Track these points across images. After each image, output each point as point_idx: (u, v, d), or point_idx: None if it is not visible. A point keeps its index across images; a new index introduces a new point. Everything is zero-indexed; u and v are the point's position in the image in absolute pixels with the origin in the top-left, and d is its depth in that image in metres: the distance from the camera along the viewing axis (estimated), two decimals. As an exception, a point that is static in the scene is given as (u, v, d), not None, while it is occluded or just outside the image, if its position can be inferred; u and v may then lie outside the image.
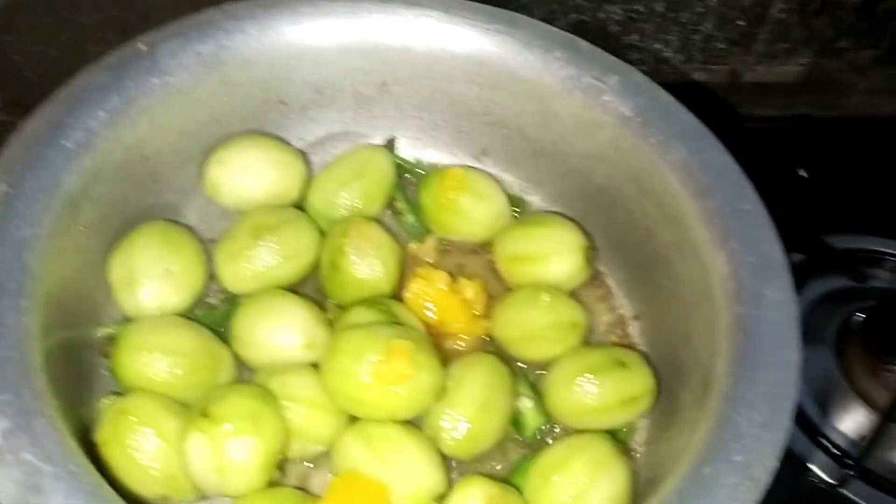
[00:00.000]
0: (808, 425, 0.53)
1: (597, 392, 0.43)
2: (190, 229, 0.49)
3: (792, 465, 0.52)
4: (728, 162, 0.44)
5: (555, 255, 0.48)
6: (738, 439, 0.36)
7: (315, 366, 0.43)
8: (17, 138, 0.41)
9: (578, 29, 0.69)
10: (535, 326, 0.46)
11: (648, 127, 0.46)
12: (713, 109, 0.78)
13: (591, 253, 0.49)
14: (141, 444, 0.39)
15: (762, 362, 0.38)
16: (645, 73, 0.48)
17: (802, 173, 0.67)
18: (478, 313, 0.48)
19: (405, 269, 0.49)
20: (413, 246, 0.51)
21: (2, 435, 0.33)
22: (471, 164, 0.54)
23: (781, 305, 0.40)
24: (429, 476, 0.40)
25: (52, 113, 0.42)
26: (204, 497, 0.41)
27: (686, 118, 0.46)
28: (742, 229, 0.42)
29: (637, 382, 0.44)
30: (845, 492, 0.51)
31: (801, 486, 0.51)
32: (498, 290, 0.50)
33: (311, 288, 0.49)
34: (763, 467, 0.35)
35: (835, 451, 0.52)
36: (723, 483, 0.34)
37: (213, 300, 0.48)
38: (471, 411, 0.42)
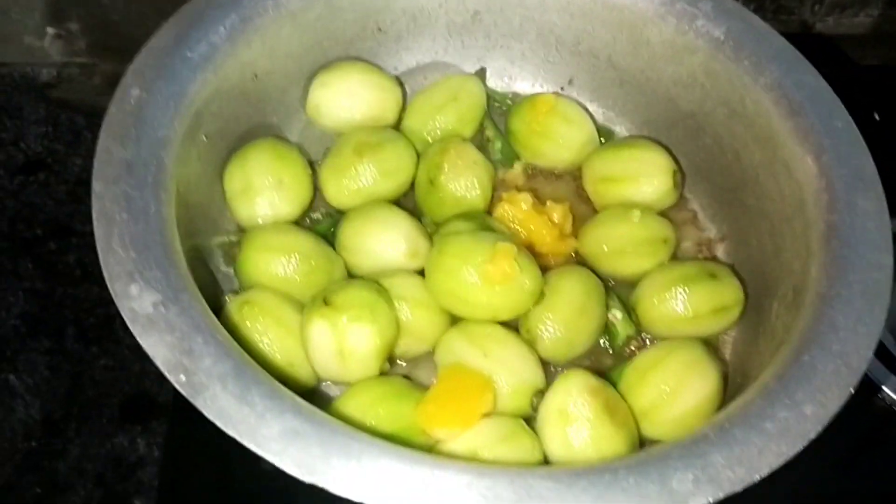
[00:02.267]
0: (884, 354, 0.54)
1: (688, 301, 0.45)
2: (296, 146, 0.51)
3: (866, 387, 0.53)
4: (820, 83, 0.46)
5: (644, 176, 0.50)
6: (835, 331, 0.37)
7: (418, 274, 0.45)
8: (146, 49, 0.44)
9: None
10: (625, 242, 0.48)
11: (741, 50, 0.47)
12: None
13: (679, 177, 0.51)
14: (263, 331, 0.41)
15: (856, 265, 0.39)
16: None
17: (876, 117, 0.68)
18: (565, 233, 0.50)
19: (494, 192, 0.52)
20: (501, 172, 0.54)
21: (153, 305, 0.35)
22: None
23: (874, 214, 0.41)
24: (530, 371, 0.42)
25: (178, 27, 0.45)
26: (318, 384, 0.44)
27: (778, 42, 0.47)
28: (835, 145, 0.44)
29: (727, 293, 0.45)
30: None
31: (874, 408, 0.53)
32: (584, 213, 0.52)
33: (407, 208, 0.51)
34: (859, 356, 0.36)
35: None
36: (821, 369, 0.36)
37: (315, 215, 0.50)
38: (567, 315, 0.44)
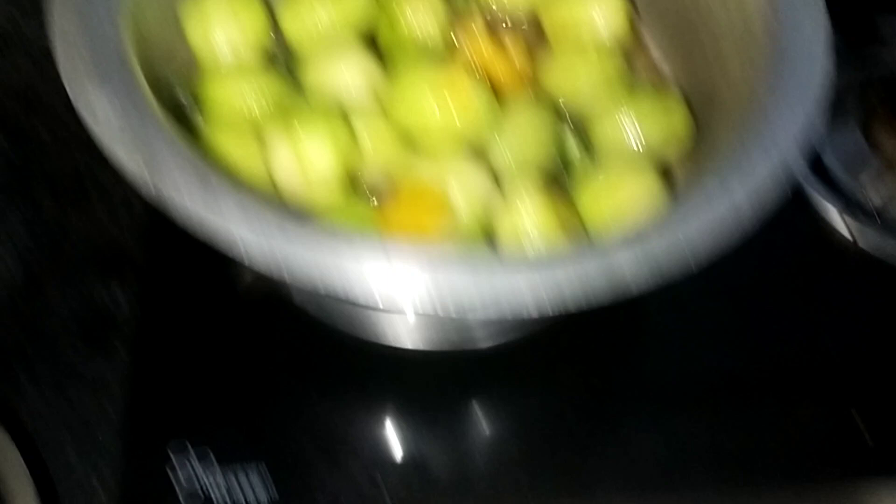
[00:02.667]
0: (834, 185, 0.57)
1: (639, 125, 0.46)
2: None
3: (816, 222, 0.56)
4: None
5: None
6: (773, 135, 0.39)
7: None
8: None
9: None
10: (580, 72, 0.49)
11: None
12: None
13: (630, 8, 0.52)
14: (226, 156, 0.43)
15: (798, 76, 0.41)
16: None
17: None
18: (521, 66, 0.51)
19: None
20: (457, 18, 0.54)
21: (111, 107, 0.37)
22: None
23: (815, 30, 0.42)
24: (485, 186, 0.44)
25: None
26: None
27: None
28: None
29: (676, 118, 0.47)
30: (864, 247, 0.55)
31: (822, 241, 0.56)
32: (542, 57, 0.53)
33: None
34: (792, 154, 0.38)
35: (858, 209, 0.56)
36: (756, 166, 0.38)
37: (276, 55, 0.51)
38: (520, 138, 0.46)
